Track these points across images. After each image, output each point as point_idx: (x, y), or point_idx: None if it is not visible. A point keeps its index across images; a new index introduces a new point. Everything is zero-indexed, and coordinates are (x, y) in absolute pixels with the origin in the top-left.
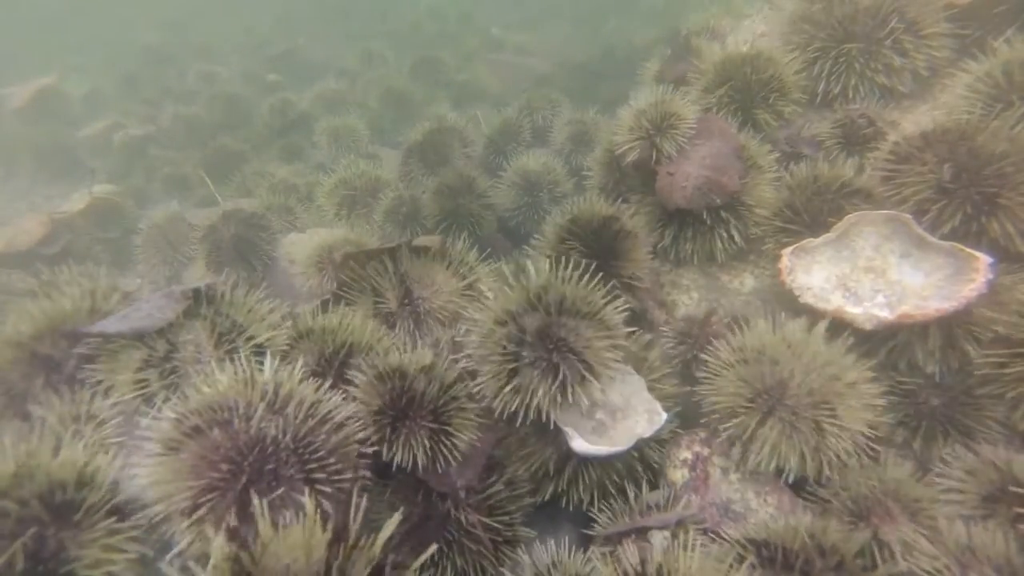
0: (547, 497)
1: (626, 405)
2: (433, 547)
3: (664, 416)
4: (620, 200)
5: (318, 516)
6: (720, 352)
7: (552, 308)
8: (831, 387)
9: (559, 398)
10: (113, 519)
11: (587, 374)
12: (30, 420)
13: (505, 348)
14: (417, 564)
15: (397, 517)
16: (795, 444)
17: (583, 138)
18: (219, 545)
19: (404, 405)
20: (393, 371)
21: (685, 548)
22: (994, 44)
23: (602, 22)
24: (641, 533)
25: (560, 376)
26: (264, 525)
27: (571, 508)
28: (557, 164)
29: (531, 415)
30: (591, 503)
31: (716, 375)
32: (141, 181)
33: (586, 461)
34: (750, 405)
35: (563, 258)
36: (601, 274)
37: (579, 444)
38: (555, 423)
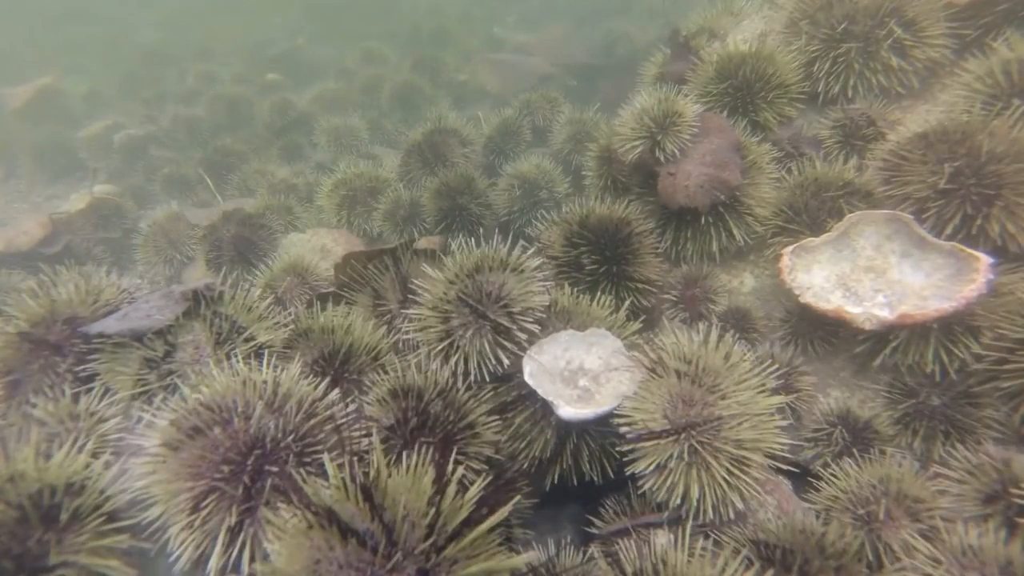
0: (555, 479)
1: (606, 367)
2: (516, 497)
3: (642, 374)
4: (617, 200)
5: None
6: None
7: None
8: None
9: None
10: (102, 522)
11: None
12: (29, 417)
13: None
14: (505, 510)
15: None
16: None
17: (583, 138)
18: (334, 470)
19: (416, 426)
20: (408, 390)
21: (683, 547)
22: (993, 44)
23: (603, 21)
24: (641, 532)
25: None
26: (378, 455)
27: (573, 512)
28: (548, 164)
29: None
30: (603, 471)
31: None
32: (141, 181)
33: (583, 433)
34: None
35: (573, 263)
36: (612, 277)
37: (565, 411)
38: (544, 400)
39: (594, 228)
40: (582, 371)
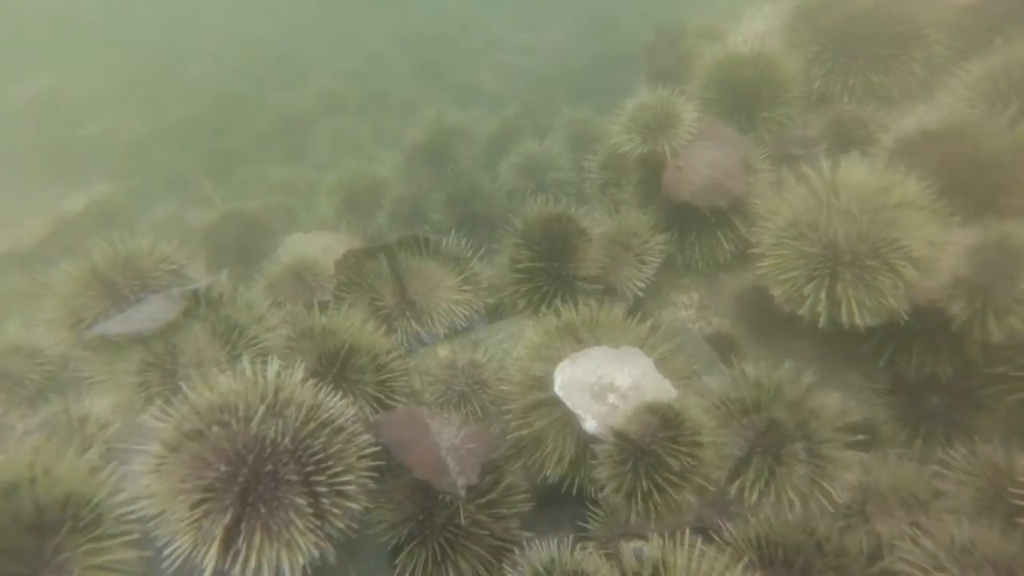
0: (575, 491)
1: (636, 386)
2: None
3: (675, 393)
4: (617, 203)
5: None
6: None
7: None
8: (881, 218)
9: None
10: (101, 534)
11: None
12: (34, 417)
13: None
14: None
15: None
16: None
17: (582, 137)
18: None
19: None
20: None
21: (682, 547)
22: (994, 44)
23: (603, 21)
24: (639, 533)
25: None
26: None
27: (573, 513)
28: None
29: None
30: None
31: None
32: (141, 181)
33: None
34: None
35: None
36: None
37: (590, 424)
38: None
39: (532, 226)
40: (612, 388)
